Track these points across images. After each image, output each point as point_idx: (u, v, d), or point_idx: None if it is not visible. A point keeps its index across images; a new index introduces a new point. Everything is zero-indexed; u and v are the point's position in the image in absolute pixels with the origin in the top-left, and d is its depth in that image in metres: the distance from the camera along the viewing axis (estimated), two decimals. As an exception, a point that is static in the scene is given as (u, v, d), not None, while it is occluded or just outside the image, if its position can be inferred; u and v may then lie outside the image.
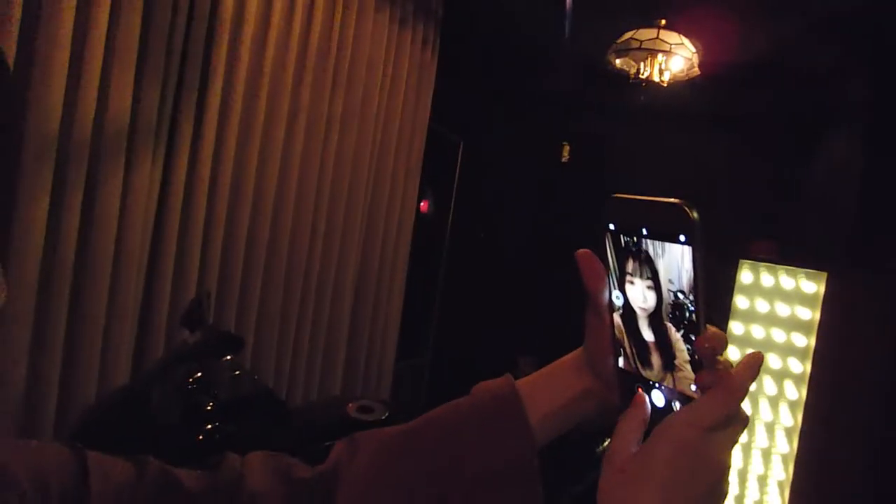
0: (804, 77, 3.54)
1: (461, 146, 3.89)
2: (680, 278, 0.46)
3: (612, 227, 0.51)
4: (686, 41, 3.02)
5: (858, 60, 3.36)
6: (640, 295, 0.49)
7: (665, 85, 3.13)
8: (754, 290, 3.07)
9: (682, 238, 0.44)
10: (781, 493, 3.28)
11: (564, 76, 4.02)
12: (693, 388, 0.46)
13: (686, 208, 0.44)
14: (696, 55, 3.07)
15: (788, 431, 2.98)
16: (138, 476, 0.49)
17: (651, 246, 0.47)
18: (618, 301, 0.52)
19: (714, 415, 0.44)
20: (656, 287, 0.48)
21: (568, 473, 1.89)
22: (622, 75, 3.19)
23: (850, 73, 3.45)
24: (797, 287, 3.30)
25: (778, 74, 3.60)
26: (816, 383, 2.93)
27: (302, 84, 2.30)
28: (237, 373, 1.68)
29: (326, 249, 2.53)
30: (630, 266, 0.50)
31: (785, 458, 3.12)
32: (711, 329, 0.45)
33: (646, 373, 0.51)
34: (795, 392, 2.95)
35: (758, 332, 2.76)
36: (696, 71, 3.13)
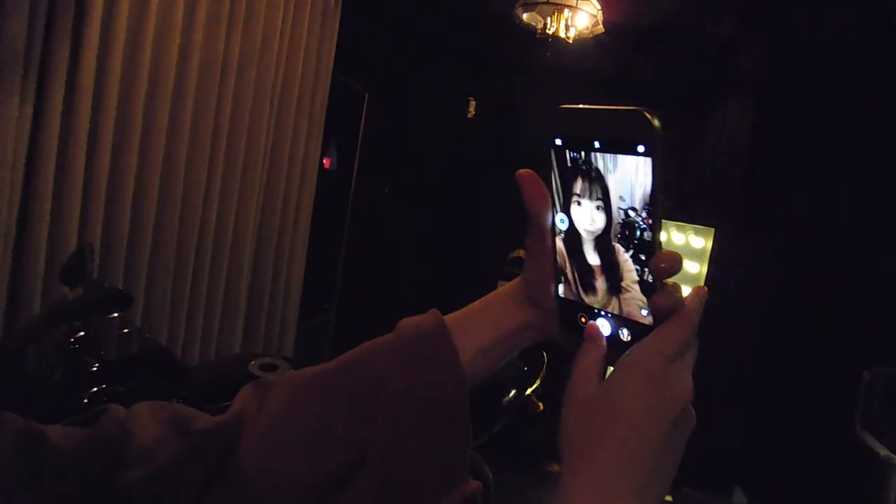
0: (702, 43, 3.67)
1: (366, 98, 3.77)
2: (633, 194, 0.43)
3: (558, 142, 0.47)
4: (591, -2, 3.05)
5: (752, 30, 3.52)
6: (587, 216, 0.46)
7: (570, 42, 3.15)
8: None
9: (640, 148, 0.42)
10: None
11: (472, 29, 3.97)
12: (644, 312, 0.44)
13: (647, 115, 0.41)
14: (600, 12, 3.10)
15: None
16: None
17: (602, 160, 0.44)
18: (562, 224, 0.49)
19: (678, 341, 0.43)
20: (606, 207, 0.45)
21: (474, 424, 1.91)
22: (529, 30, 3.18)
23: (743, 43, 3.62)
24: (687, 242, 3.50)
25: (677, 39, 3.71)
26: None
27: (194, 20, 2.12)
28: (125, 330, 1.56)
29: (224, 201, 2.38)
30: (578, 186, 0.47)
31: None
32: (665, 250, 0.43)
33: (589, 299, 0.48)
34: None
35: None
36: (601, 28, 3.17)
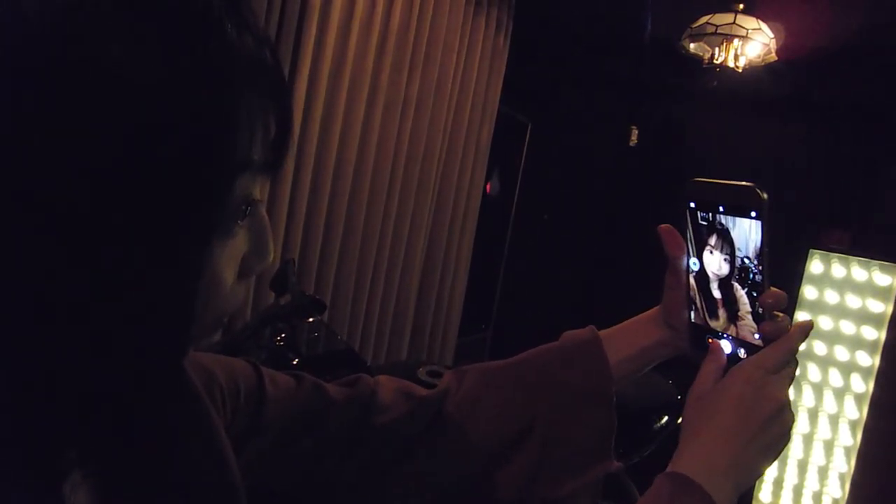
0: (887, 63, 3.42)
1: (529, 129, 3.94)
2: (747, 246, 0.56)
3: (692, 205, 0.62)
4: (764, 26, 2.97)
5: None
6: (716, 264, 0.60)
7: (740, 70, 3.09)
8: (824, 280, 3.03)
9: (752, 214, 0.55)
10: (843, 486, 3.25)
11: (636, 60, 4.00)
12: (756, 336, 0.57)
13: (758, 190, 0.55)
14: (773, 41, 3.02)
15: (853, 424, 2.95)
16: (297, 385, 0.63)
17: (724, 220, 0.58)
18: (694, 266, 0.62)
19: (776, 359, 0.55)
20: (731, 258, 0.58)
21: (628, 445, 1.97)
22: (695, 60, 3.17)
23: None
24: (870, 279, 3.24)
25: (859, 60, 3.49)
26: (884, 377, 2.89)
27: (382, 66, 2.42)
28: (320, 332, 1.83)
29: (398, 224, 2.66)
30: (711, 240, 0.60)
31: (847, 451, 3.10)
32: (773, 289, 0.55)
33: (713, 324, 0.62)
34: (863, 385, 2.92)
35: (825, 323, 2.74)
36: (773, 56, 3.08)
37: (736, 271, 0.57)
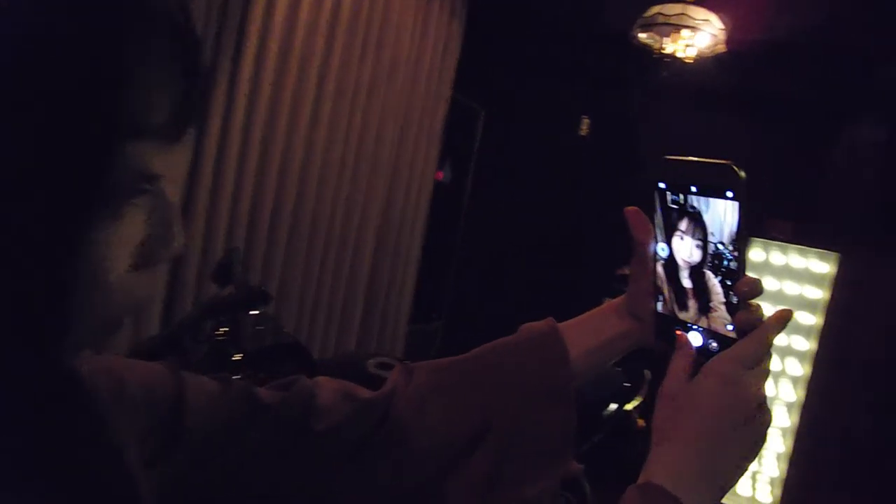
0: (832, 59, 3.51)
1: (482, 116, 3.91)
2: (721, 231, 0.52)
3: (662, 185, 0.57)
4: (713, 17, 3.01)
5: (890, 45, 3.33)
6: (686, 250, 0.56)
7: (690, 61, 3.12)
8: (764, 269, 3.11)
9: (728, 194, 0.51)
10: (779, 465, 3.37)
11: (588, 49, 4.01)
12: (729, 327, 0.53)
13: (734, 167, 0.50)
14: (722, 32, 3.05)
15: (789, 406, 3.05)
16: (224, 390, 0.57)
17: (697, 202, 0.54)
18: (662, 253, 0.59)
19: (752, 353, 0.51)
20: (703, 244, 0.54)
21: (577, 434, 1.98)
22: (646, 50, 3.19)
23: (879, 58, 3.42)
24: (807, 267, 3.35)
25: (806, 55, 3.57)
26: (821, 361, 2.99)
27: (332, 48, 2.35)
28: (265, 325, 1.77)
29: (349, 211, 2.60)
30: (682, 224, 0.56)
31: (784, 432, 3.21)
32: (748, 276, 0.52)
33: (682, 315, 0.58)
34: (800, 368, 3.01)
35: (765, 310, 2.81)
36: (722, 48, 3.12)
37: (708, 258, 0.54)
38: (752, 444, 0.51)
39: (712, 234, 0.53)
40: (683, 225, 0.55)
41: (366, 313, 2.83)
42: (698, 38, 3.10)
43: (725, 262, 0.52)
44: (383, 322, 2.95)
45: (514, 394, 0.61)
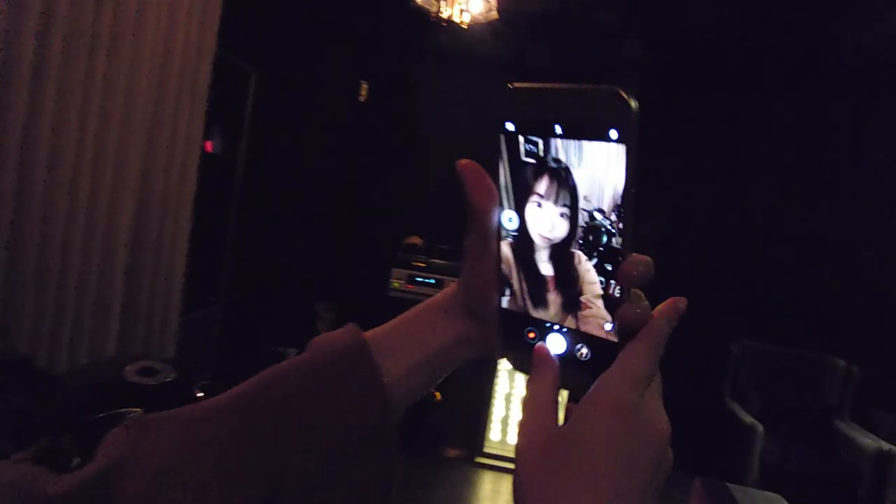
0: (588, 32, 3.77)
1: (253, 78, 3.56)
2: (601, 192, 0.37)
3: (510, 127, 0.40)
4: (486, -17, 3.03)
5: (636, 21, 3.65)
6: (546, 222, 0.40)
7: (465, 27, 3.13)
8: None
9: (612, 134, 0.35)
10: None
11: (365, 11, 3.84)
12: (608, 326, 0.39)
13: (623, 94, 0.35)
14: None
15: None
16: None
17: (564, 150, 0.38)
18: (510, 224, 0.42)
19: (647, 364, 0.37)
20: (571, 212, 0.39)
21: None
22: (424, 15, 3.13)
23: (626, 31, 3.75)
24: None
25: (565, 27, 3.79)
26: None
27: (54, -12, 1.88)
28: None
29: (95, 192, 2.16)
30: (540, 184, 0.40)
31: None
32: (635, 255, 0.37)
33: (539, 313, 0.42)
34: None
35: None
36: (494, 14, 3.17)
37: (579, 233, 0.39)
38: (661, 486, 0.38)
39: (585, 197, 0.38)
40: (542, 185, 0.40)
41: (126, 312, 2.41)
42: (472, 3, 3.11)
43: (605, 239, 0.38)
44: (150, 319, 2.55)
45: (309, 445, 0.41)
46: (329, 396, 0.42)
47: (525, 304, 0.43)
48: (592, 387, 0.38)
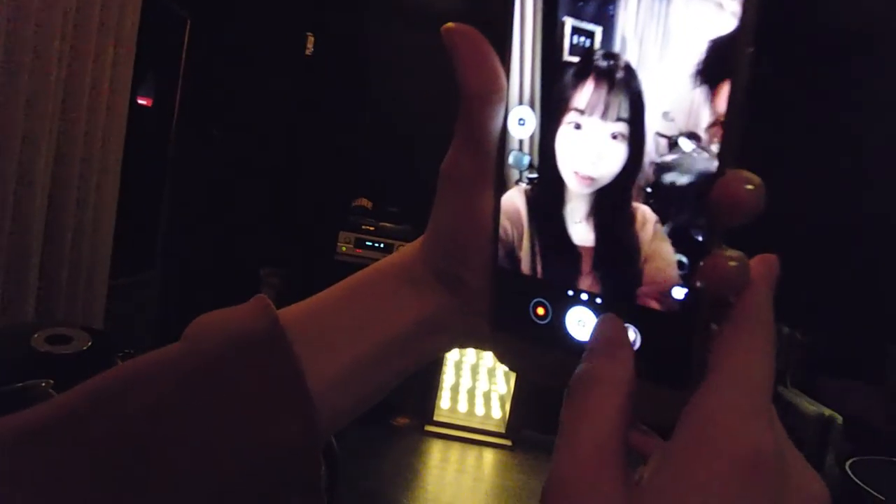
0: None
1: (188, 24, 3.30)
2: (695, 107, 0.22)
3: None
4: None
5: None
6: (588, 151, 0.25)
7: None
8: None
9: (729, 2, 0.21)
10: (507, 382, 3.60)
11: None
12: (679, 293, 0.24)
13: None
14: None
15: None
16: None
17: (632, 18, 0.23)
18: (520, 130, 0.26)
19: (769, 369, 0.23)
20: (634, 136, 0.24)
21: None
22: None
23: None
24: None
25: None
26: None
27: None
28: None
29: (4, 145, 1.93)
30: (583, 90, 0.25)
31: (507, 374, 3.44)
32: (738, 171, 0.23)
33: (555, 275, 0.27)
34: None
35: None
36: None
37: (647, 172, 0.24)
38: None
39: (667, 115, 0.23)
40: (586, 91, 0.25)
41: (47, 280, 2.20)
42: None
43: (693, 185, 0.23)
44: (72, 287, 2.34)
45: (184, 491, 0.26)
46: (216, 415, 0.27)
47: (534, 265, 0.27)
48: (684, 412, 0.21)
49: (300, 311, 0.31)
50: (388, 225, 3.58)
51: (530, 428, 3.49)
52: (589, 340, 0.24)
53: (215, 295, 3.57)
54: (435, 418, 3.56)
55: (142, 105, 3.04)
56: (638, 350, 0.25)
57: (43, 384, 1.47)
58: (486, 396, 3.74)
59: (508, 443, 3.45)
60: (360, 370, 0.30)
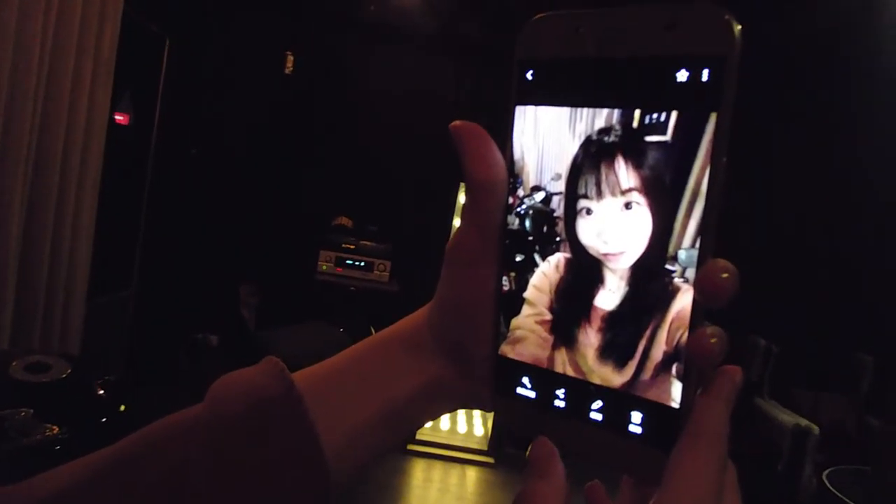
0: (521, 5, 3.68)
1: (167, 44, 3.28)
2: (677, 169, 0.25)
3: (529, 75, 0.28)
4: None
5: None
6: (602, 230, 0.27)
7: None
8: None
9: (702, 77, 0.23)
10: (485, 424, 3.60)
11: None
12: (676, 390, 0.25)
13: (728, 20, 0.23)
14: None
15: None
16: None
17: (622, 116, 0.25)
18: (528, 206, 0.29)
19: (717, 484, 0.25)
20: (654, 203, 0.26)
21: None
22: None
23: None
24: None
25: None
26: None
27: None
28: None
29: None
30: (583, 178, 0.27)
31: None
32: (717, 260, 0.25)
33: (561, 361, 0.28)
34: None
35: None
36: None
37: (660, 244, 0.26)
38: None
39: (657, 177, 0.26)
40: (590, 178, 0.28)
41: (21, 306, 2.16)
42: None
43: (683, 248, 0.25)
44: (49, 312, 2.30)
45: None
46: (241, 475, 0.29)
47: (536, 345, 0.30)
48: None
49: (313, 376, 0.33)
50: (368, 243, 3.58)
51: (513, 445, 3.49)
52: (528, 461, 0.28)
53: (193, 314, 3.53)
54: (417, 437, 3.54)
55: (120, 123, 3.01)
56: (638, 430, 0.27)
57: (22, 413, 1.44)
58: (469, 414, 3.73)
59: (491, 460, 3.44)
60: (368, 432, 0.33)
